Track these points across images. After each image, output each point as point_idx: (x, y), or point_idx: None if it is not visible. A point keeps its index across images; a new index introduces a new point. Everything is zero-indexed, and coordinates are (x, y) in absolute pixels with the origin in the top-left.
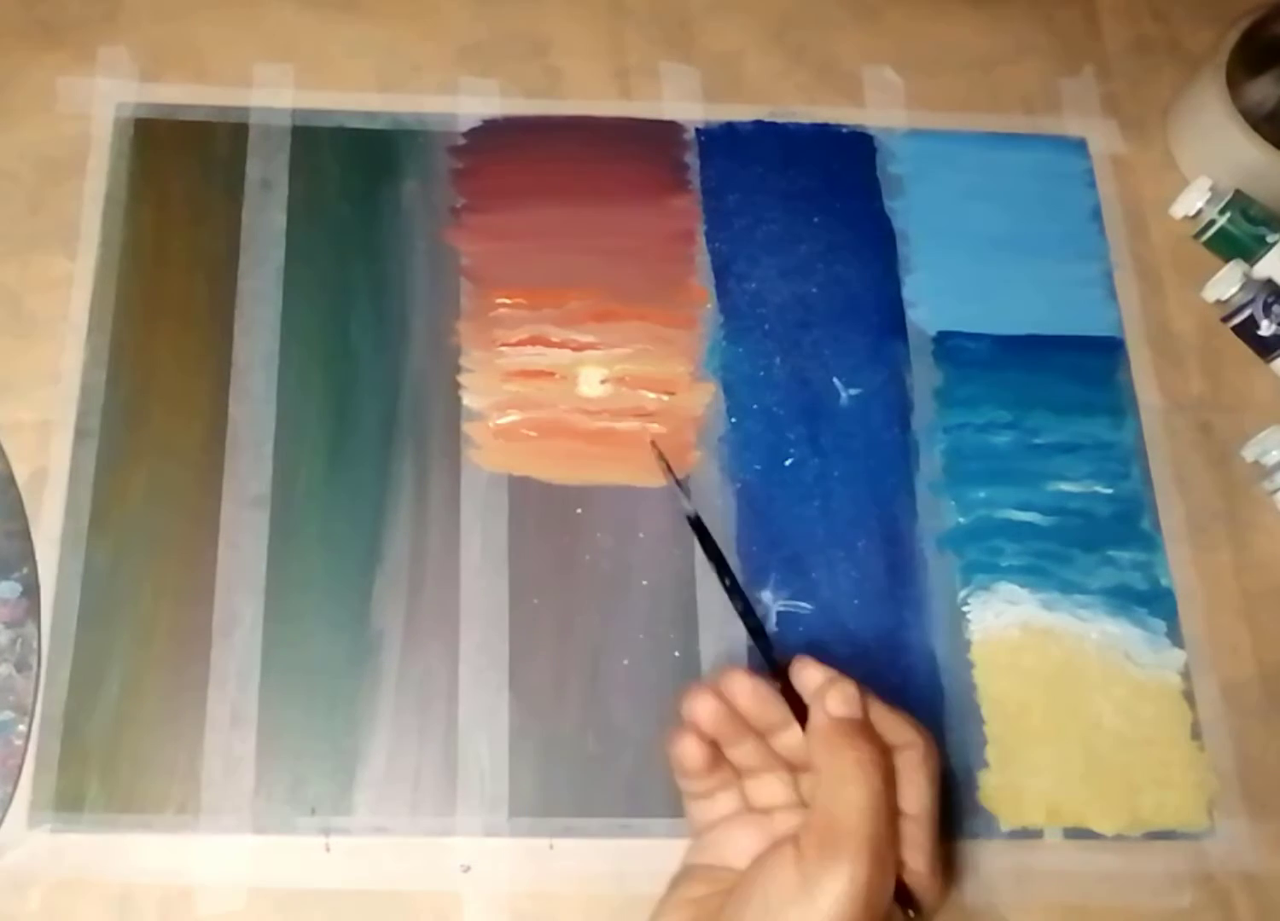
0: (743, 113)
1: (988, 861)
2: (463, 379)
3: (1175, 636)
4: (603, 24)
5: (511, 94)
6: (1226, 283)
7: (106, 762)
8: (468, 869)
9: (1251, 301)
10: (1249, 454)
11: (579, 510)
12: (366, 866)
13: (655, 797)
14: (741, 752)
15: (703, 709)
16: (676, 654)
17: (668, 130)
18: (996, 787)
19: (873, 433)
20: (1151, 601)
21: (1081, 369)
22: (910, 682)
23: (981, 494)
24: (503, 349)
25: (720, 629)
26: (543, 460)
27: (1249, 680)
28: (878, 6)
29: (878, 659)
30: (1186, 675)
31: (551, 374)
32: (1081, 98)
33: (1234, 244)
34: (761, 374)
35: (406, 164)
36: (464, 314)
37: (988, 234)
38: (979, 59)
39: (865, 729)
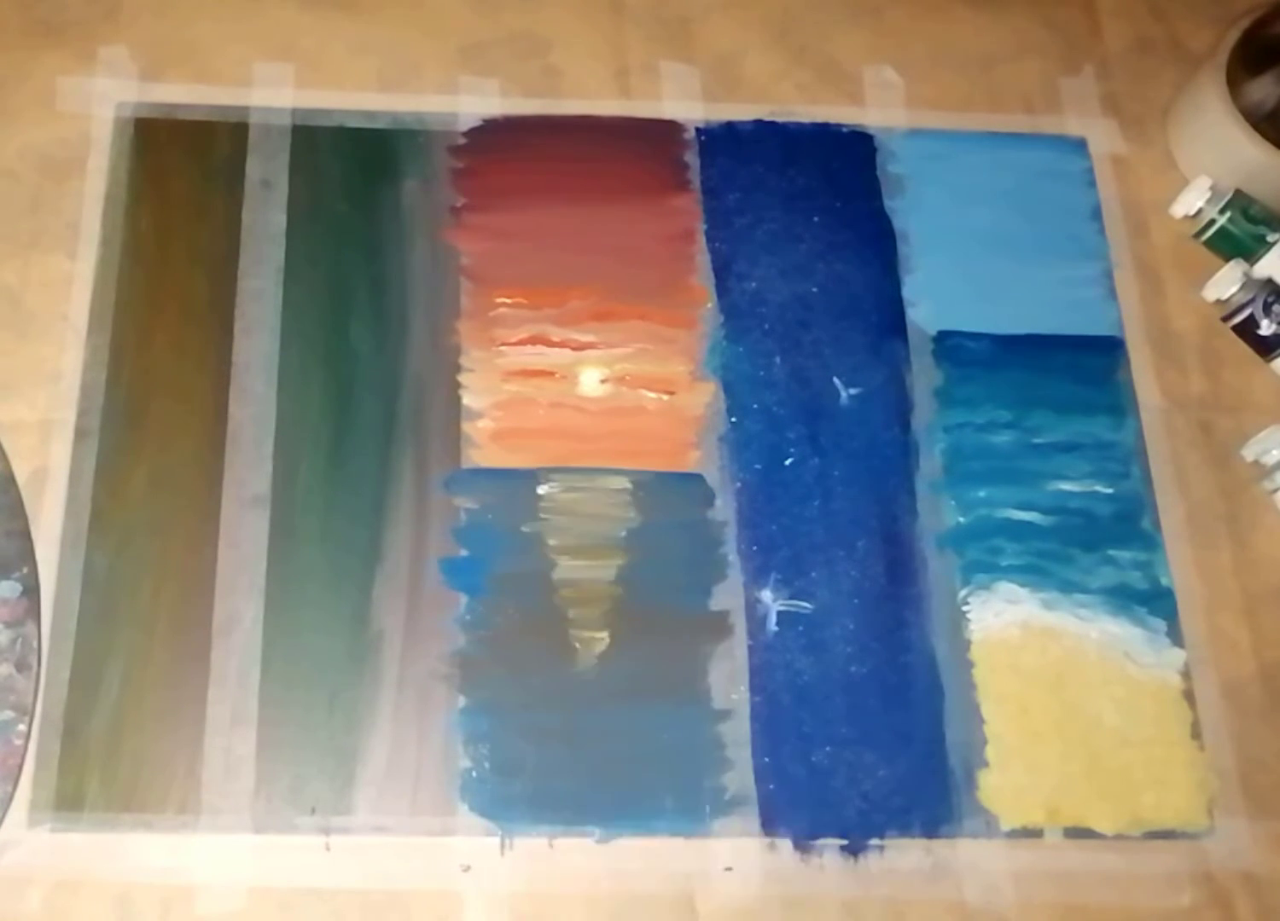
0: (743, 112)
1: (988, 861)
2: (463, 379)
3: (1175, 636)
4: (603, 23)
5: (511, 94)
6: (1226, 282)
7: (106, 762)
8: (468, 869)
9: (1251, 301)
10: (1249, 454)
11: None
12: (366, 866)
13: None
14: None
15: None
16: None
17: (668, 130)
18: (996, 787)
19: (873, 432)
20: (1151, 601)
21: (1081, 368)
22: (910, 682)
23: (981, 493)
24: (503, 348)
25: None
26: (542, 459)
27: (1249, 680)
28: (878, 6)
29: (878, 658)
30: (1186, 675)
31: (551, 373)
32: (1081, 97)
33: (1234, 243)
34: (761, 373)
35: (406, 164)
36: (464, 313)
37: (988, 234)
38: (979, 58)
39: None
